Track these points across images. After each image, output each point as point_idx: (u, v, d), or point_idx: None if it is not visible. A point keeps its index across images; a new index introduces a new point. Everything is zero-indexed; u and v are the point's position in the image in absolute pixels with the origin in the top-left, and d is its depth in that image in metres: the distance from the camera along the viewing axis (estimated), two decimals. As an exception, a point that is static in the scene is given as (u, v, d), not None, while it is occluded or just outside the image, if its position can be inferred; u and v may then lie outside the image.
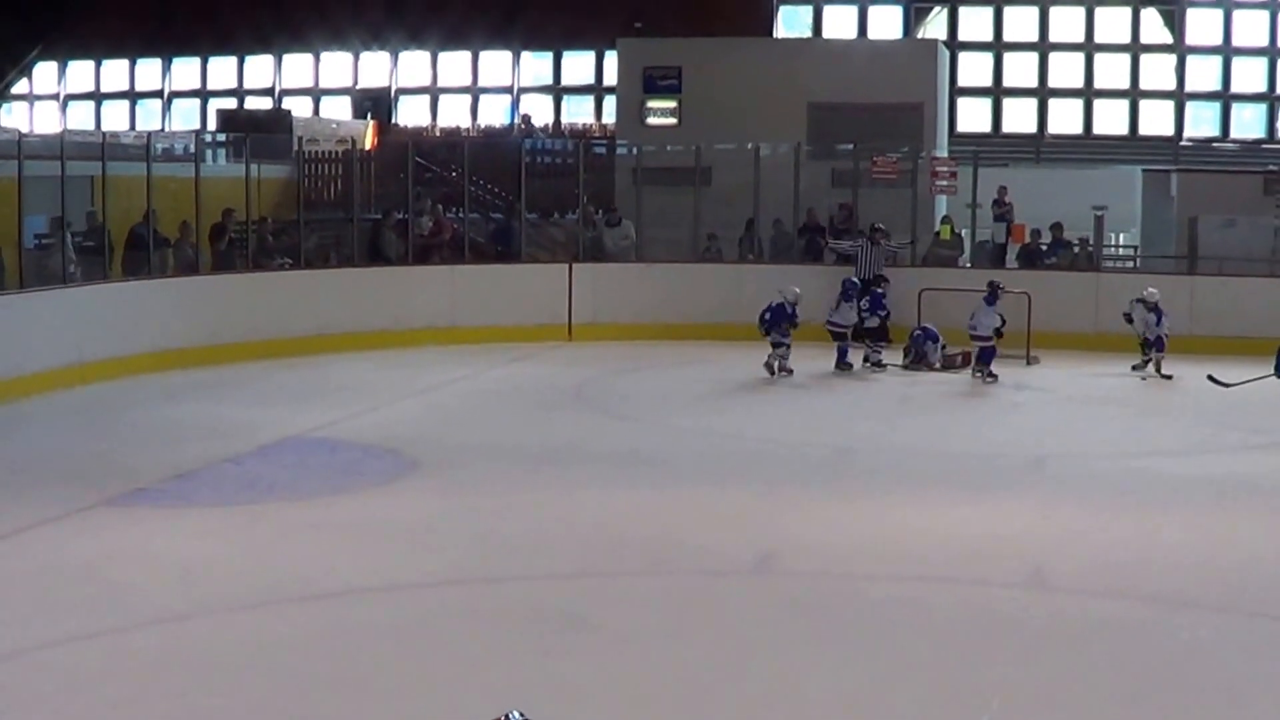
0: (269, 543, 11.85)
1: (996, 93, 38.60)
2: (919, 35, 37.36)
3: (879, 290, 21.05)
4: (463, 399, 18.51)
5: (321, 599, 10.38)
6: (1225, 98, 38.33)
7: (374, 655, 9.28)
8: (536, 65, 41.19)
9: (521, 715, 4.11)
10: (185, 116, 42.03)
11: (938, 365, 20.27)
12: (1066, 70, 38.43)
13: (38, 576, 10.83)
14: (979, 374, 19.56)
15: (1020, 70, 38.66)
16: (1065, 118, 38.37)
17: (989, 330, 19.44)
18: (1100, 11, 37.82)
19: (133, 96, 43.25)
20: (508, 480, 13.90)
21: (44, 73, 43.38)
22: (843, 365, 20.24)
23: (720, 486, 13.70)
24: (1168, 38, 37.84)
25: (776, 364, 19.65)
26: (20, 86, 43.00)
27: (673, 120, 27.59)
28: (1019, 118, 38.49)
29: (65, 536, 11.90)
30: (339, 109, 40.39)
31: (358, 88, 40.99)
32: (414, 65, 41.22)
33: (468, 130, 39.27)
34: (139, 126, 41.25)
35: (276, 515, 12.67)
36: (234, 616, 10.02)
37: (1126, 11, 37.86)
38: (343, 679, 8.87)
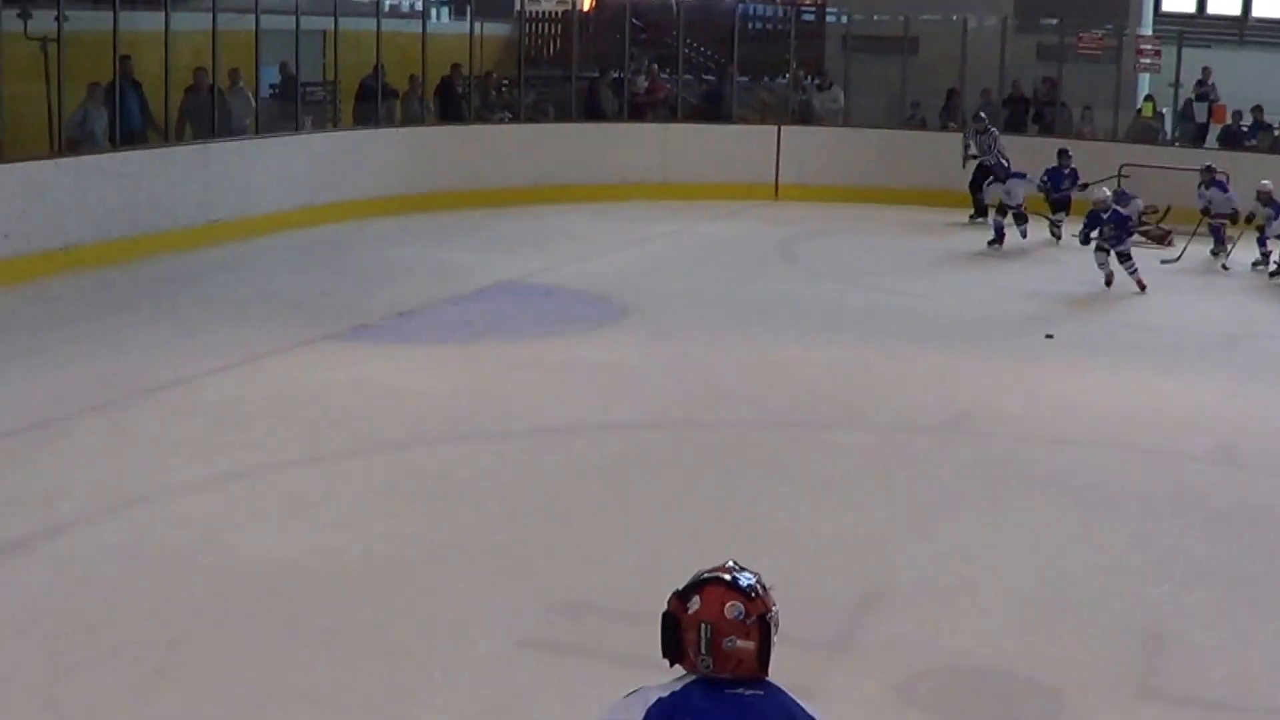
0: (484, 380, 12.39)
1: (1203, -27, 37.62)
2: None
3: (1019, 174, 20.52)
4: (671, 251, 18.90)
5: (531, 435, 10.89)
6: None
7: (580, 491, 9.76)
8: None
9: (736, 564, 3.81)
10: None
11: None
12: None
13: (267, 403, 11.51)
14: (1219, 254, 19.22)
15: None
16: (1271, 1, 37.23)
17: (1228, 209, 19.25)
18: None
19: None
20: (713, 330, 14.29)
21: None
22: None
23: (919, 347, 13.93)
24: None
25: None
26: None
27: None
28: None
29: (293, 366, 12.60)
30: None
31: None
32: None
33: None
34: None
35: (492, 354, 13.23)
36: (448, 447, 10.59)
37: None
38: (548, 511, 9.34)
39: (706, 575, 3.78)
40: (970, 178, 21.48)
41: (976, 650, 7.61)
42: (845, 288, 16.92)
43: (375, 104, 21.36)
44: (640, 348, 13.59)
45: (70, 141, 17.09)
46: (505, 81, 24.28)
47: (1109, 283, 16.99)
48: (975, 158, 21.23)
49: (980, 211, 21.22)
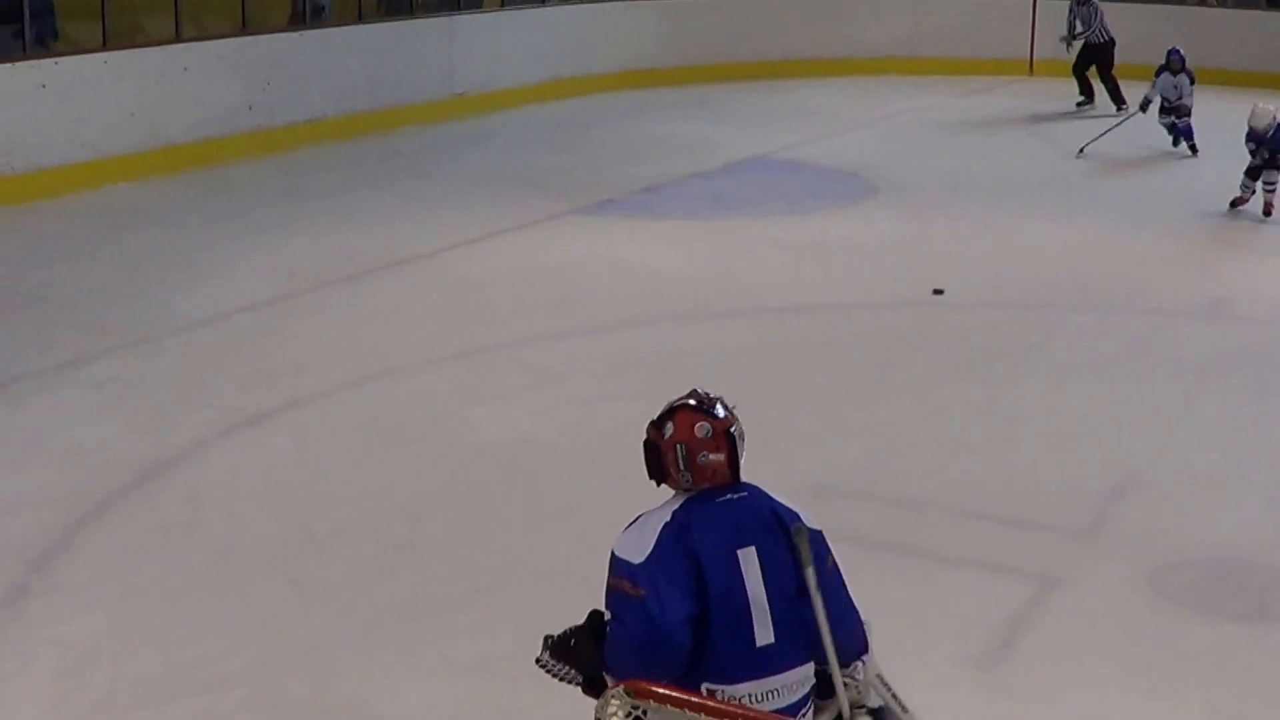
0: (731, 257, 12.19)
1: None
2: None
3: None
4: (922, 128, 18.43)
5: (777, 313, 10.69)
6: None
7: (824, 371, 9.55)
8: None
9: (701, 390, 4.42)
10: None
11: None
12: None
13: (511, 278, 11.45)
14: None
15: None
16: None
17: None
18: None
19: None
20: (964, 208, 13.93)
21: None
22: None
23: (1177, 232, 13.42)
24: None
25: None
26: None
27: None
28: None
29: (537, 241, 12.53)
30: None
31: None
32: None
33: None
34: None
35: (739, 231, 13.03)
36: (693, 324, 10.42)
37: None
38: (790, 391, 9.12)
39: (676, 403, 4.33)
40: (1074, 59, 19.94)
41: (1230, 541, 7.29)
42: (1097, 169, 16.25)
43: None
44: (888, 226, 13.26)
45: (315, 9, 17.13)
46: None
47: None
48: (1079, 36, 19.75)
49: (1088, 94, 19.89)
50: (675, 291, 11.11)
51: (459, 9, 18.55)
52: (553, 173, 15.08)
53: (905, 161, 16.03)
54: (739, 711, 3.50)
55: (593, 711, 3.64)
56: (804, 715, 4.08)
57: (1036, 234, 13.11)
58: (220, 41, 15.71)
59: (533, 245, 12.39)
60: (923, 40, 22.47)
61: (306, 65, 16.31)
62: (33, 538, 7.10)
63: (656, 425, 4.30)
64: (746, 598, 4.01)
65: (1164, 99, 16.76)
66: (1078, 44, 19.80)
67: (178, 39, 15.23)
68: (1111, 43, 19.49)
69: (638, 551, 4.10)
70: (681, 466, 4.20)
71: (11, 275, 11.31)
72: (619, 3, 20.84)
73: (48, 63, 13.99)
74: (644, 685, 3.33)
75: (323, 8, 17.23)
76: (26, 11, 13.90)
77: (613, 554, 4.16)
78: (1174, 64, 16.74)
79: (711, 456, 4.20)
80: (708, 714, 3.32)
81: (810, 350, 9.98)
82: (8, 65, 13.71)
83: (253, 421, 8.53)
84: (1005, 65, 22.31)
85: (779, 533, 4.15)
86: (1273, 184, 13.68)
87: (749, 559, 4.06)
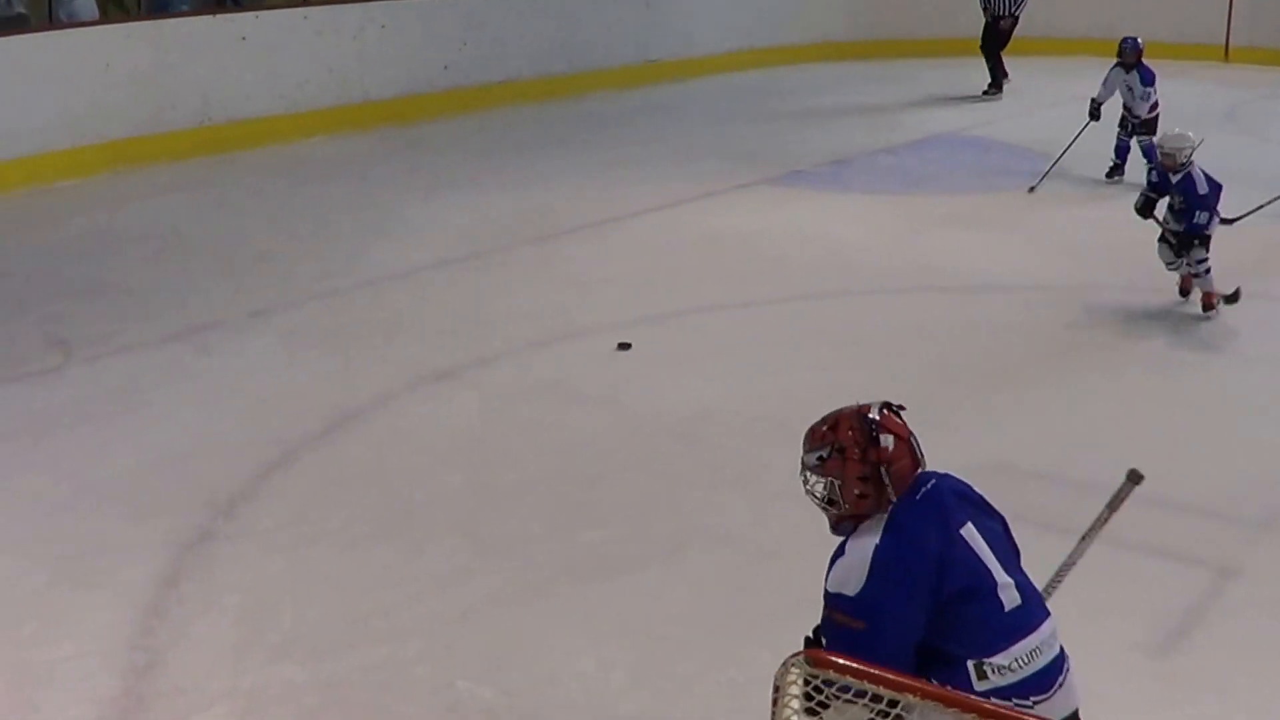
0: (917, 232, 12.10)
1: None
2: None
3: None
4: (1114, 109, 18.10)
5: (964, 290, 10.59)
6: None
7: (1011, 351, 9.44)
8: None
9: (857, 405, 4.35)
10: None
11: None
12: None
13: (698, 244, 11.47)
14: None
15: None
16: None
17: None
18: None
19: None
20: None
21: None
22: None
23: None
24: None
25: None
26: None
27: None
28: None
29: (725, 209, 12.54)
30: None
31: None
32: None
33: None
34: None
35: (926, 206, 12.93)
36: (879, 298, 10.37)
37: None
38: (975, 369, 9.07)
39: (845, 438, 4.25)
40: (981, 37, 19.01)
41: None
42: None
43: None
44: (1076, 207, 13.04)
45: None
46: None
47: None
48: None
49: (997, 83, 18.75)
50: (859, 265, 11.05)
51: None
52: (742, 142, 15.08)
53: (1095, 142, 15.73)
54: (927, 688, 3.45)
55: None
56: (1068, 669, 4.04)
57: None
58: (419, 1, 15.89)
59: (720, 213, 12.39)
60: (1121, 23, 22.05)
61: (503, 27, 16.45)
62: (220, 483, 7.26)
63: (861, 459, 4.20)
64: (987, 570, 3.99)
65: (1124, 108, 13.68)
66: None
67: (378, -5, 15.45)
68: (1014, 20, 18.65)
69: (852, 583, 4.02)
70: (889, 484, 4.12)
71: (206, 225, 11.58)
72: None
73: (248, 16, 14.25)
74: (823, 655, 3.29)
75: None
76: (229, -35, 14.20)
77: (826, 590, 4.11)
78: (1126, 56, 13.58)
79: (902, 462, 4.15)
80: (895, 689, 3.31)
81: (992, 330, 9.86)
82: (208, 17, 13.99)
83: (439, 376, 8.64)
84: (1199, 50, 21.86)
85: (976, 501, 4.18)
86: (1203, 261, 9.98)
87: (971, 534, 4.03)
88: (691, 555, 6.66)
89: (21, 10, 12.97)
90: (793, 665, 3.28)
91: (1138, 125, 13.55)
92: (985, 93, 18.44)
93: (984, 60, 18.73)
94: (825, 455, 4.25)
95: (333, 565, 6.54)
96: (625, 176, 13.43)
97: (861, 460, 4.14)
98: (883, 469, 4.10)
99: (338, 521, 6.95)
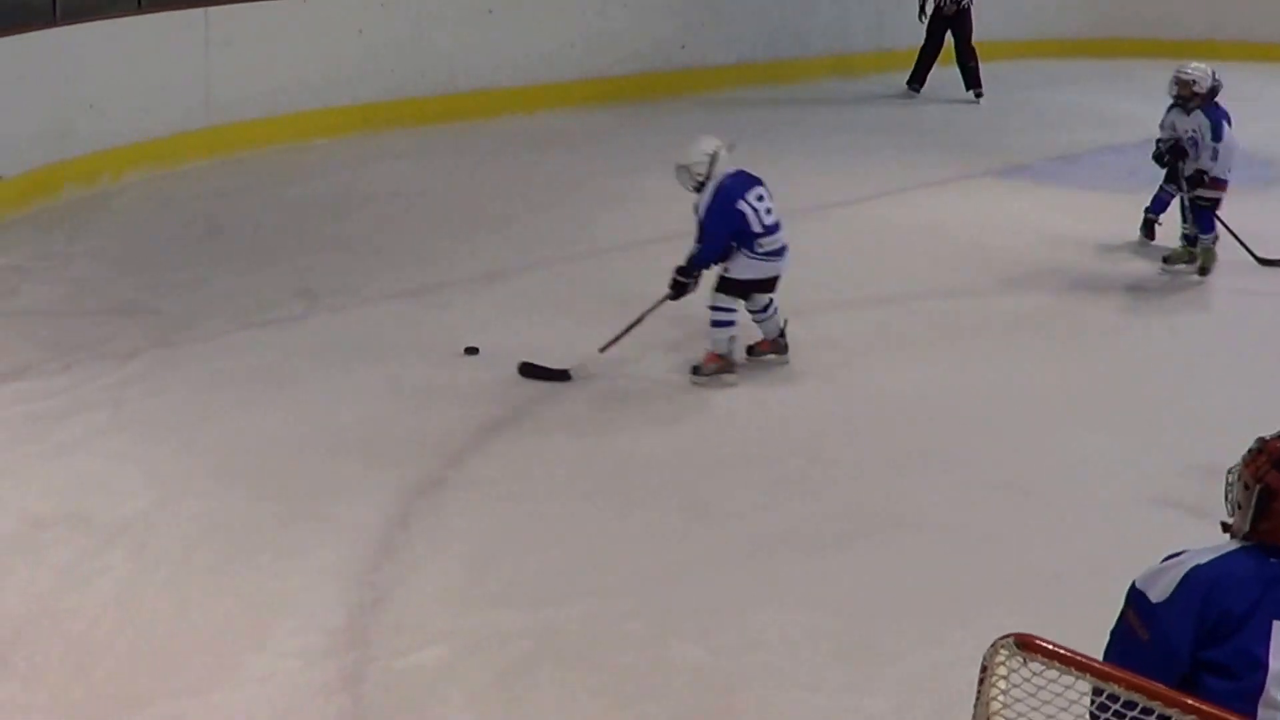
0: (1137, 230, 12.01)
1: None
2: None
3: None
4: None
5: (1185, 290, 10.58)
6: None
7: (1227, 355, 9.36)
8: None
9: None
10: None
11: None
12: None
13: (921, 233, 11.53)
14: None
15: None
16: None
17: None
18: None
19: None
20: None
21: None
22: None
23: None
24: None
25: None
26: None
27: None
28: None
29: (949, 199, 12.58)
30: None
31: None
32: None
33: None
34: None
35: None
36: (1097, 296, 10.32)
37: None
38: (1189, 371, 9.02)
39: None
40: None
41: None
42: None
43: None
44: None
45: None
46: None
47: None
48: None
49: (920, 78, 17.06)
50: (1082, 261, 11.03)
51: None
52: (970, 133, 15.05)
53: None
54: (1145, 685, 3.30)
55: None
56: None
57: None
58: (661, -21, 16.14)
59: (946, 202, 12.44)
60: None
61: (739, 9, 16.57)
62: (451, 433, 7.59)
63: (1255, 473, 3.77)
64: (1266, 673, 3.62)
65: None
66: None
67: (620, -27, 15.71)
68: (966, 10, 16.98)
69: (1159, 589, 3.72)
70: (1254, 517, 3.75)
71: (447, 188, 11.93)
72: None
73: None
74: (1032, 639, 3.32)
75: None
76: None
77: (1133, 583, 3.80)
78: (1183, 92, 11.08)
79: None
80: (1105, 679, 3.36)
81: (1211, 328, 9.95)
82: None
83: (666, 346, 8.82)
84: None
85: None
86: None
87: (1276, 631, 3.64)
88: (902, 535, 6.80)
89: (282, -27, 13.40)
90: (1001, 647, 3.34)
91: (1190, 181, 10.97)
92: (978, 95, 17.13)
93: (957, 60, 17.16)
94: (1247, 453, 3.86)
95: (554, 519, 6.81)
96: (853, 161, 13.52)
97: (1254, 475, 3.77)
98: (1260, 497, 3.73)
99: (560, 477, 7.23)
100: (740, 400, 8.23)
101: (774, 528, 6.83)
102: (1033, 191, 13.06)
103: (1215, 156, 10.73)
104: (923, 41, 17.10)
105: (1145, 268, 10.97)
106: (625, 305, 8.87)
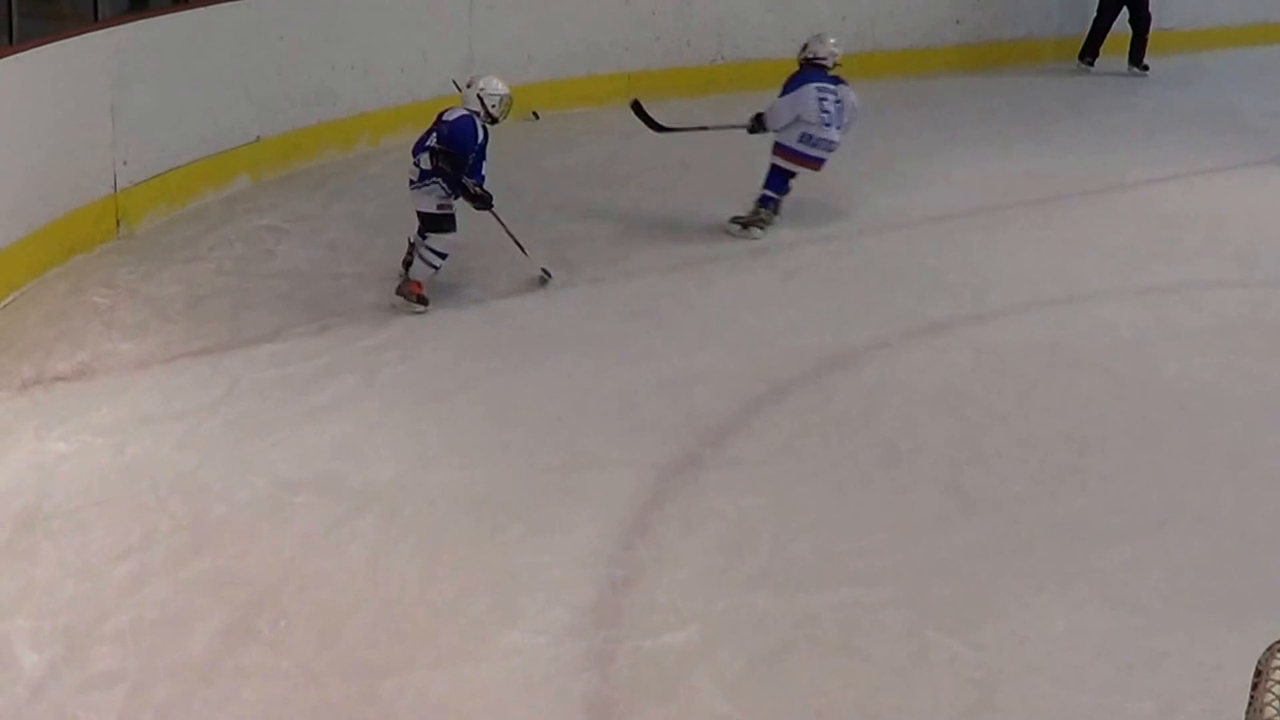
0: None
1: None
2: None
3: None
4: None
5: None
6: None
7: None
8: None
9: None
10: None
11: None
12: None
13: (1203, 220, 11.03)
14: None
15: None
16: None
17: None
18: None
19: None
20: None
21: None
22: None
23: None
24: None
25: None
26: None
27: None
28: None
29: (1233, 186, 12.07)
30: None
31: None
32: None
33: None
34: None
35: None
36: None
37: None
38: None
39: None
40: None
41: None
42: None
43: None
44: None
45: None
46: None
47: None
48: None
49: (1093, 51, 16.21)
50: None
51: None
52: (1259, 117, 14.51)
53: None
54: None
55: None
56: None
57: None
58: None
59: (1228, 190, 11.96)
60: None
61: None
62: (710, 412, 7.44)
63: None
64: None
65: None
66: None
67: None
68: None
69: None
70: None
71: (713, 160, 11.70)
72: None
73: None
74: None
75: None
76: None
77: None
78: None
79: None
80: None
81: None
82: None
83: (933, 329, 8.63)
84: None
85: None
86: None
87: None
88: (1174, 531, 6.52)
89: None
90: (1279, 651, 3.19)
91: None
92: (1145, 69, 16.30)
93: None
94: None
95: (813, 503, 6.63)
96: (1131, 144, 13.09)
97: None
98: None
99: (821, 461, 7.04)
100: (1011, 387, 7.96)
101: (1041, 520, 6.58)
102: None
103: None
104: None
105: None
106: (895, 284, 8.69)
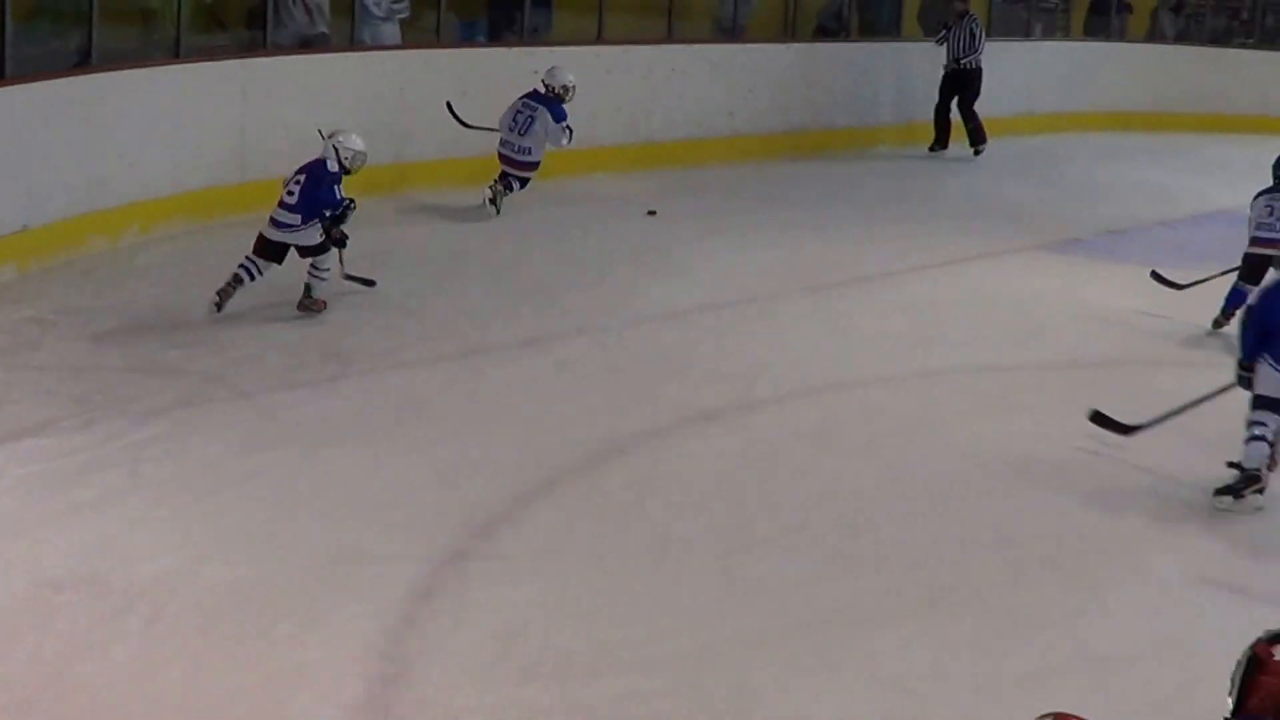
0: (1194, 307, 11.56)
1: None
2: None
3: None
4: None
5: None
6: None
7: None
8: None
9: None
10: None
11: None
12: None
13: (969, 306, 11.38)
14: None
15: None
16: None
17: None
18: None
19: None
20: None
21: None
22: None
23: None
24: None
25: None
26: None
27: None
28: None
29: (1000, 272, 12.42)
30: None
31: None
32: None
33: None
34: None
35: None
36: (1153, 369, 10.08)
37: None
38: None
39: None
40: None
41: None
42: None
43: (1108, 17, 20.75)
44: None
45: (819, 29, 17.38)
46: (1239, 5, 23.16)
47: None
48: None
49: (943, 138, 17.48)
50: (1134, 335, 10.89)
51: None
52: (1021, 206, 14.92)
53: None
54: None
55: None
56: None
57: None
58: (709, 46, 16.10)
59: (995, 275, 12.29)
60: None
61: (789, 77, 16.53)
62: (481, 503, 7.36)
63: (1267, 643, 3.64)
64: None
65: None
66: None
67: (669, 39, 15.61)
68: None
69: None
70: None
71: (489, 251, 11.77)
72: (1104, 43, 20.53)
73: (542, 50, 14.50)
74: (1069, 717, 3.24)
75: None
76: (527, 2, 14.45)
77: None
78: None
79: None
80: None
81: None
82: (504, 50, 14.31)
83: (704, 418, 8.67)
84: None
85: None
86: None
87: None
88: (942, 612, 6.61)
89: (324, 30, 13.32)
90: None
91: None
92: (976, 151, 17.47)
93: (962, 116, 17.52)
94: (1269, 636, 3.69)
95: (585, 594, 6.59)
96: (902, 232, 13.38)
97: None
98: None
99: (593, 551, 7.00)
100: (781, 474, 8.02)
101: (812, 605, 6.61)
102: (1085, 265, 12.95)
103: None
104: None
105: (1201, 340, 10.80)
106: (667, 374, 8.73)
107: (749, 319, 10.62)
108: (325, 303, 10.04)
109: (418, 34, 14.15)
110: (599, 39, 15.03)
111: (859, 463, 8.20)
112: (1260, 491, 7.74)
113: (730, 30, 16.64)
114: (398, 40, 13.90)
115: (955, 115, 17.34)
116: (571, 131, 13.10)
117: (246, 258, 9.92)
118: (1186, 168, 17.84)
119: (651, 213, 12.95)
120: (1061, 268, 12.71)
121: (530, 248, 11.89)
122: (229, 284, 9.77)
